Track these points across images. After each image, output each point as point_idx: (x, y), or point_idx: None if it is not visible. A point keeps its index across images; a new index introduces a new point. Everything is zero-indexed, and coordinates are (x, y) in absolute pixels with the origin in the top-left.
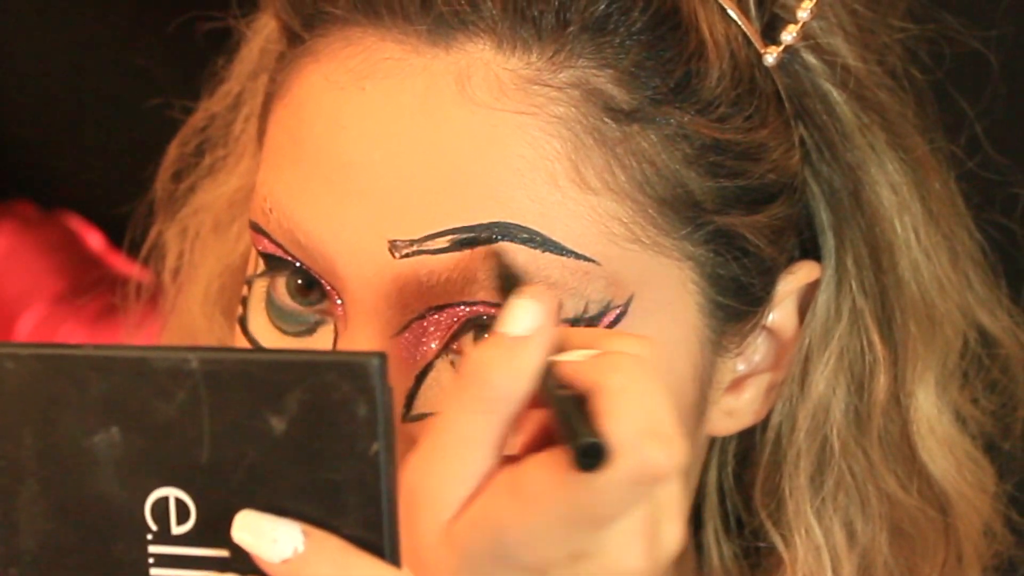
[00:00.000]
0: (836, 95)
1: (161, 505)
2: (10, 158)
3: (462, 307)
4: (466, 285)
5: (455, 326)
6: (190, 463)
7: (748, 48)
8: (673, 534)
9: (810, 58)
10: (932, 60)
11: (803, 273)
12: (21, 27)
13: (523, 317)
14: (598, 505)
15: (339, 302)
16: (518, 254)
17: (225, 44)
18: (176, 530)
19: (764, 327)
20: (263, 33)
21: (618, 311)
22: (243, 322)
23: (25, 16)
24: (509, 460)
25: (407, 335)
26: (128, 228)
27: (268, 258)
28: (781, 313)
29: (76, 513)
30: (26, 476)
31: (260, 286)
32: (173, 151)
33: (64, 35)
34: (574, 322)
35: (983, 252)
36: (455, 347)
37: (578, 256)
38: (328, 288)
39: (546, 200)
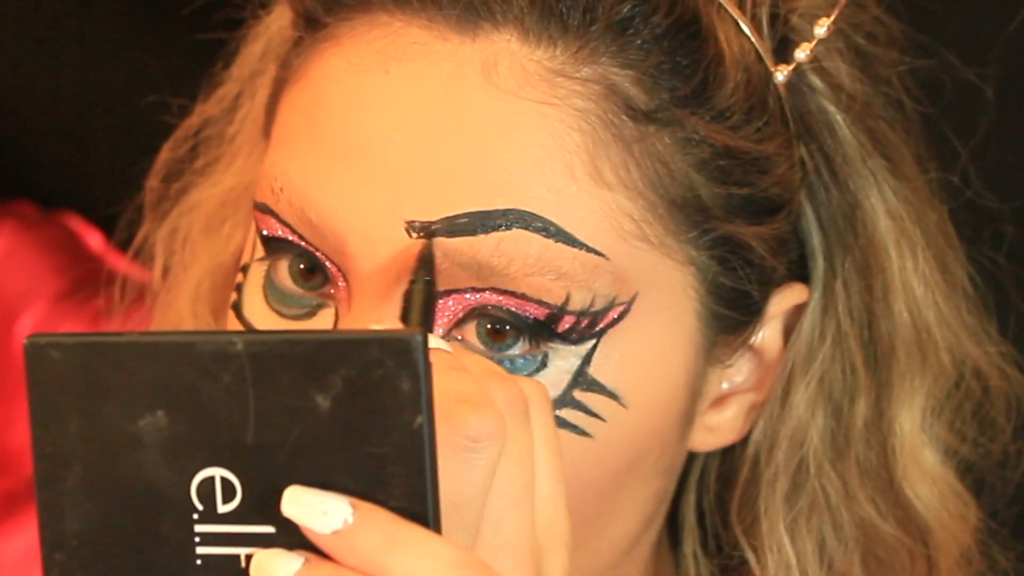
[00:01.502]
0: (840, 118)
1: (207, 485)
2: (10, 158)
3: (470, 294)
4: (479, 269)
5: (460, 314)
6: (236, 443)
7: (760, 65)
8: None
9: (815, 80)
10: (927, 93)
11: (793, 294)
12: (21, 27)
13: None
14: (444, 487)
15: (342, 284)
16: (532, 243)
17: (225, 44)
18: (222, 508)
19: (750, 346)
20: (265, 35)
21: (622, 308)
22: (237, 307)
23: (26, 16)
24: None
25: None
26: (116, 229)
27: (271, 240)
28: (768, 333)
29: (121, 496)
30: (71, 462)
31: (258, 270)
32: (165, 153)
33: (65, 35)
34: (580, 315)
35: (972, 283)
36: (457, 334)
37: (589, 249)
38: (333, 270)
39: (562, 191)
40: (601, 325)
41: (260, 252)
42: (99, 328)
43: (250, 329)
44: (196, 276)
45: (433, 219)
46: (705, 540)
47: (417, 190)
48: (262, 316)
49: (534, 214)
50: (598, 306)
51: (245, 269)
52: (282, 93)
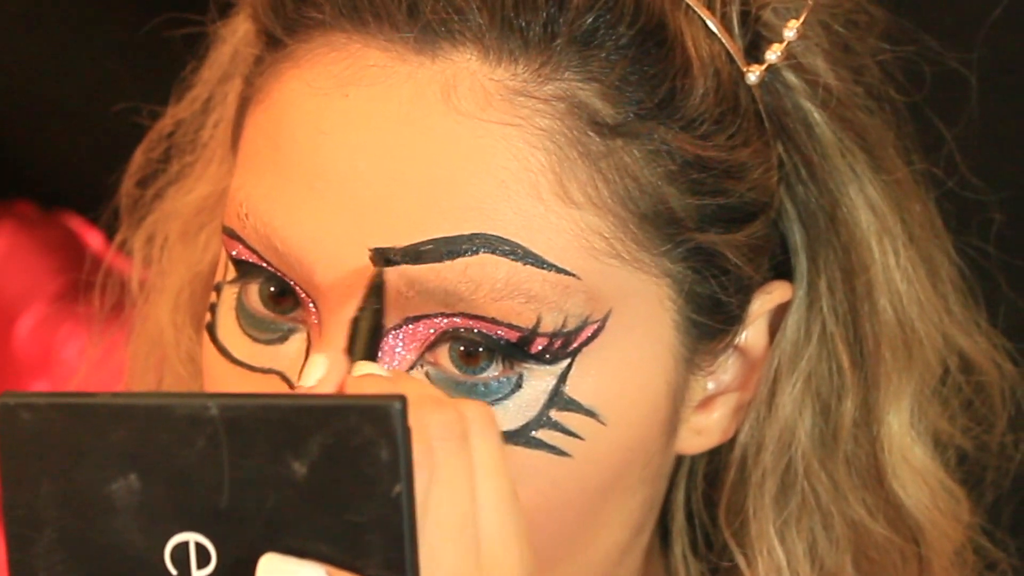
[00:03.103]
0: (816, 115)
1: (181, 550)
2: (10, 158)
3: (439, 318)
4: (446, 296)
5: (431, 337)
6: (210, 508)
7: (731, 66)
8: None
9: (791, 77)
10: (910, 81)
11: (776, 294)
12: (20, 28)
13: (314, 371)
14: None
15: (313, 310)
16: (499, 266)
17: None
18: (197, 574)
19: (735, 346)
20: (234, 38)
21: (596, 326)
22: (211, 329)
23: (25, 17)
24: None
25: (383, 345)
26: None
27: (241, 264)
28: (752, 333)
29: (94, 560)
30: (44, 525)
31: (230, 293)
32: (139, 157)
33: (66, 35)
34: (552, 336)
35: (961, 275)
36: (430, 358)
37: (559, 270)
38: (303, 296)
39: (529, 213)
40: (575, 344)
41: (232, 273)
42: (96, 328)
43: (227, 393)
44: (175, 286)
45: (398, 246)
46: (695, 540)
47: (381, 217)
48: (236, 340)
49: (501, 237)
50: (571, 326)
51: (219, 288)
52: (247, 112)
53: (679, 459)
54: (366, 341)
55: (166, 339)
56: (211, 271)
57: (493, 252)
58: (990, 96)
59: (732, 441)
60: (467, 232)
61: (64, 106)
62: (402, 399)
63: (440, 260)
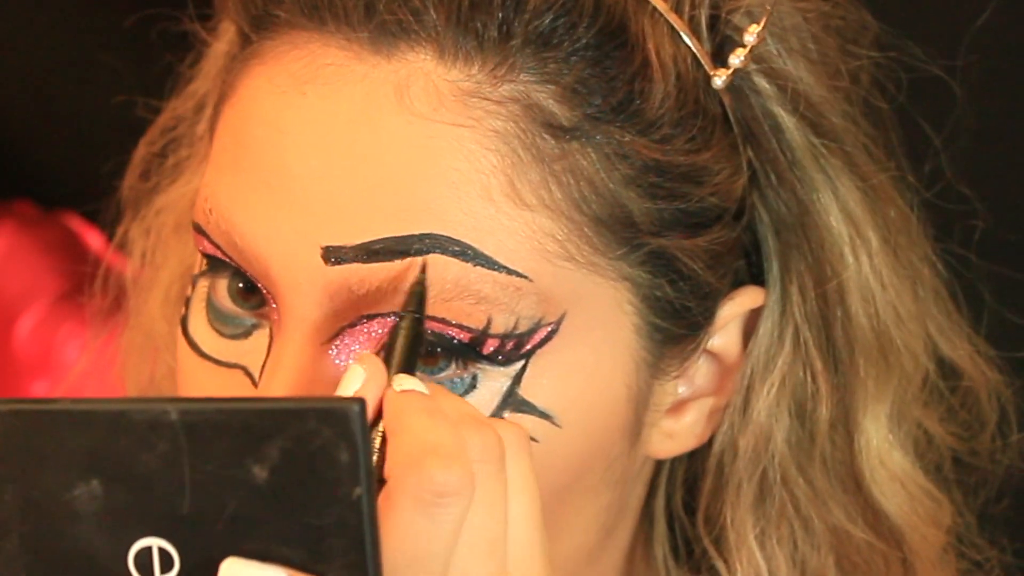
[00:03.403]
0: (787, 120)
1: (144, 555)
2: (10, 158)
3: (393, 317)
4: (397, 295)
5: (385, 336)
6: (172, 513)
7: (696, 69)
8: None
9: (762, 82)
10: (896, 88)
11: (747, 299)
12: (22, 27)
13: (351, 382)
14: (408, 540)
15: (274, 306)
16: (449, 267)
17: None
18: None
19: (706, 351)
20: (228, 34)
21: (549, 328)
22: (184, 322)
23: (25, 16)
24: None
25: (338, 342)
26: (98, 226)
27: (208, 259)
28: (724, 337)
29: (58, 566)
30: (8, 531)
31: (202, 286)
32: (141, 150)
33: (66, 34)
34: (504, 337)
35: (943, 281)
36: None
37: (510, 271)
38: (265, 292)
39: (479, 214)
40: (528, 347)
41: (204, 267)
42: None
43: (186, 397)
44: (166, 279)
45: (349, 245)
46: (676, 545)
47: (333, 216)
48: (204, 334)
49: (451, 238)
50: (523, 328)
51: (194, 282)
52: (220, 108)
53: (658, 464)
54: (404, 352)
55: (158, 332)
56: None
57: (443, 252)
58: (975, 103)
59: (709, 449)
60: (417, 232)
61: (64, 106)
62: (360, 402)
63: (391, 259)
